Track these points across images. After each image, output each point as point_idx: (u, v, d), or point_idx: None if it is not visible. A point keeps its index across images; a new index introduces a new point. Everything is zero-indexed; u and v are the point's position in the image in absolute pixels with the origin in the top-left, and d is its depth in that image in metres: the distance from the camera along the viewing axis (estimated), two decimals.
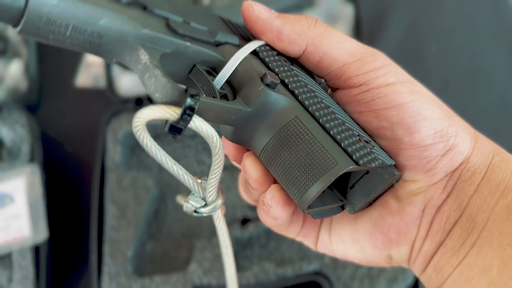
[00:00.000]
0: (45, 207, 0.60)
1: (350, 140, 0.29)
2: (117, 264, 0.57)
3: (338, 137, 0.29)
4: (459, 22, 0.74)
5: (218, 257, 0.57)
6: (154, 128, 0.63)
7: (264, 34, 0.32)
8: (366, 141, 0.30)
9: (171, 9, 0.32)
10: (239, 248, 0.59)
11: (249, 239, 0.59)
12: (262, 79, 0.30)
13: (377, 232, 0.32)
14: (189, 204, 0.33)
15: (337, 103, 0.33)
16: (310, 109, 0.30)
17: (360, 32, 0.68)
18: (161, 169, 0.65)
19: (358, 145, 0.29)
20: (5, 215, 0.60)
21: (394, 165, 0.30)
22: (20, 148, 0.64)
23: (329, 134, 0.29)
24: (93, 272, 0.57)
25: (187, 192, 0.61)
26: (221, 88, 0.32)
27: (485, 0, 0.75)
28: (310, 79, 0.33)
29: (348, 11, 0.70)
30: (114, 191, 0.61)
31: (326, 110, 0.30)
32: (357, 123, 0.32)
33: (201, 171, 0.66)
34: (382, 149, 0.31)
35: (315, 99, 0.31)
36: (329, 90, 0.35)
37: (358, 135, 0.30)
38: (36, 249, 0.59)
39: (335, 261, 0.55)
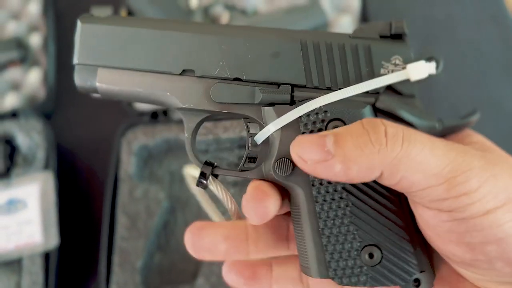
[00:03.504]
0: (57, 214, 0.61)
1: (339, 255, 0.30)
2: (126, 274, 0.58)
3: (326, 246, 0.31)
4: (469, 54, 0.76)
5: None
6: (148, 150, 0.66)
7: (329, 179, 0.28)
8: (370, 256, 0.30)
9: (225, 63, 0.33)
10: None
11: None
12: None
13: None
14: None
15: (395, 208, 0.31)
16: (317, 207, 0.31)
17: None
18: (172, 182, 0.66)
19: (346, 262, 0.30)
20: (17, 220, 0.61)
21: None
22: (35, 155, 0.65)
23: (320, 238, 0.31)
24: (102, 281, 0.57)
25: (197, 206, 0.62)
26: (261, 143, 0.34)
27: (495, 34, 0.76)
28: None
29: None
30: (126, 202, 0.62)
31: (334, 213, 0.30)
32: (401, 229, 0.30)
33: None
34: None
35: (330, 197, 0.31)
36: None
37: (360, 251, 0.30)
38: (46, 256, 0.59)
39: None
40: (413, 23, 0.77)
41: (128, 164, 0.64)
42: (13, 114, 0.68)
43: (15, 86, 0.73)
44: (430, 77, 0.31)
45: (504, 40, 0.76)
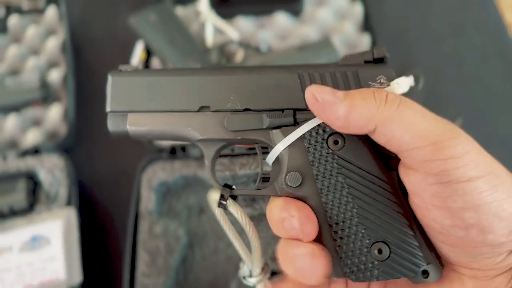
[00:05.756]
0: (79, 250, 0.63)
1: (351, 253, 0.34)
2: None
3: (340, 246, 0.34)
4: (477, 88, 0.78)
5: None
6: (167, 185, 0.68)
7: (329, 121, 0.32)
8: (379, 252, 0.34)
9: (235, 98, 0.38)
10: None
11: None
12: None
13: None
14: (241, 270, 0.42)
15: (393, 189, 0.34)
16: (327, 213, 0.35)
17: None
18: (189, 216, 0.68)
19: (358, 259, 0.34)
20: (41, 256, 0.62)
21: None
22: (58, 191, 0.67)
23: (333, 240, 0.35)
24: None
25: (214, 241, 0.64)
26: (273, 163, 0.39)
27: (500, 68, 0.79)
28: (354, 172, 0.35)
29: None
30: (146, 239, 0.64)
31: (343, 216, 0.34)
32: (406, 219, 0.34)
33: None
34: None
35: (338, 202, 0.35)
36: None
37: (369, 247, 0.34)
38: None
39: None
40: (422, 57, 0.80)
41: (148, 200, 0.66)
42: (35, 151, 0.70)
43: (37, 123, 0.75)
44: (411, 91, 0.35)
45: (508, 75, 0.79)
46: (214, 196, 0.45)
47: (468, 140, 0.30)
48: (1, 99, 0.73)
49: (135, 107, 0.40)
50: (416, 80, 0.33)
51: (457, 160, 0.29)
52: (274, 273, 0.64)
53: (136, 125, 0.39)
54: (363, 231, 0.34)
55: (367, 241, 0.34)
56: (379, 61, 0.36)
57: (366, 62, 0.36)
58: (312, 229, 0.34)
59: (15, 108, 0.74)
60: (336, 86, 0.36)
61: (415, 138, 0.30)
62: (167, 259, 0.63)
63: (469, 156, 0.29)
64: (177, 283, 0.63)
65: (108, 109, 0.40)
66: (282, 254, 0.34)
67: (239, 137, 0.38)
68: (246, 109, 0.38)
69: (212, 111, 0.38)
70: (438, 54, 0.81)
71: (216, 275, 0.65)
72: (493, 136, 0.74)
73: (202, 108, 0.39)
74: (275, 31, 0.80)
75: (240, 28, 0.79)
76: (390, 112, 0.30)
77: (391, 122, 0.30)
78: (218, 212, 0.43)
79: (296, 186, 0.36)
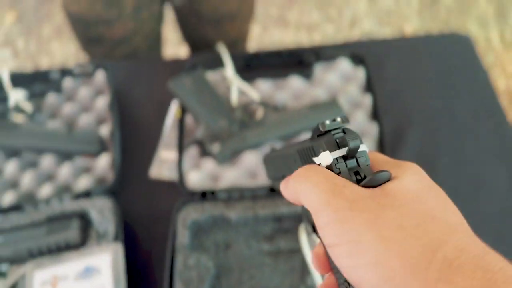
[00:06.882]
0: (126, 280, 0.74)
1: None
2: None
3: None
4: (467, 139, 0.90)
5: None
6: (198, 224, 0.79)
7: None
8: None
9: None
10: None
11: None
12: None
13: None
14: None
15: None
16: None
17: (383, 147, 0.84)
18: (217, 252, 0.79)
19: None
20: (93, 285, 0.73)
21: None
22: (107, 229, 0.79)
23: None
24: None
25: (239, 271, 0.75)
26: None
27: (489, 123, 0.91)
28: None
29: (373, 128, 0.87)
30: (182, 270, 0.74)
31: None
32: None
33: (249, 254, 0.79)
34: None
35: None
36: None
37: None
38: None
39: None
40: (417, 114, 0.92)
41: (183, 237, 0.77)
42: (87, 194, 0.83)
43: (87, 170, 0.88)
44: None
45: (496, 129, 0.91)
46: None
47: (332, 211, 0.31)
48: (66, 145, 0.87)
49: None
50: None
51: (321, 230, 0.31)
52: None
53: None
54: None
55: None
56: (324, 133, 0.38)
57: (319, 135, 0.38)
58: None
59: (71, 155, 0.88)
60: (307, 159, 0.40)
61: (310, 208, 0.33)
62: (199, 287, 0.73)
63: (330, 226, 0.30)
64: None
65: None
66: None
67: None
68: None
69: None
70: (432, 110, 0.94)
71: None
72: (480, 181, 0.85)
73: None
74: (290, 92, 0.93)
75: (260, 89, 0.93)
76: (296, 186, 0.35)
77: (300, 197, 0.34)
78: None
79: None
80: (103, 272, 0.74)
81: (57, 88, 0.99)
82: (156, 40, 1.27)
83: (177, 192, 0.84)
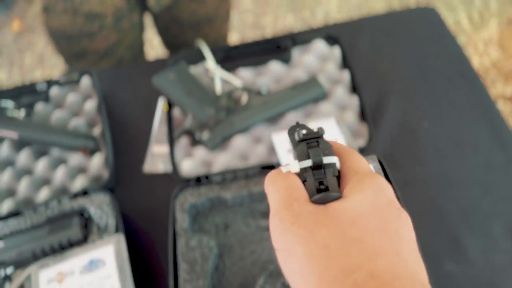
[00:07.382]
0: (130, 268, 0.75)
1: None
2: None
3: None
4: (444, 102, 0.94)
5: None
6: (196, 207, 0.81)
7: None
8: None
9: None
10: None
11: None
12: None
13: None
14: None
15: None
16: None
17: (365, 117, 0.87)
18: (217, 232, 0.81)
19: None
20: (99, 275, 0.75)
21: None
22: (107, 222, 0.81)
23: None
24: None
25: (240, 248, 0.77)
26: None
27: (464, 85, 0.95)
28: None
29: (354, 101, 0.90)
30: (185, 251, 0.76)
31: None
32: None
33: (248, 232, 0.81)
34: None
35: None
36: None
37: None
38: None
39: None
40: (395, 84, 0.96)
41: (183, 221, 0.79)
42: (84, 192, 0.85)
43: (82, 170, 0.90)
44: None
45: (470, 88, 0.95)
46: None
47: (279, 220, 0.33)
48: (62, 138, 0.89)
49: None
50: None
51: (271, 232, 0.34)
52: None
53: None
54: None
55: None
56: (301, 140, 0.39)
57: (299, 141, 0.38)
58: None
59: (71, 148, 0.90)
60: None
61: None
62: (203, 266, 0.75)
63: (276, 232, 0.33)
64: (213, 285, 0.75)
65: None
66: None
67: None
68: None
69: None
70: (408, 79, 0.98)
71: (245, 277, 0.77)
72: (461, 140, 0.88)
73: None
74: (271, 76, 0.97)
75: (242, 77, 0.96)
76: (266, 184, 0.36)
77: (267, 194, 0.36)
78: None
79: None
80: (108, 263, 0.76)
81: (45, 98, 1.01)
82: (139, 50, 1.30)
83: (172, 182, 0.87)
